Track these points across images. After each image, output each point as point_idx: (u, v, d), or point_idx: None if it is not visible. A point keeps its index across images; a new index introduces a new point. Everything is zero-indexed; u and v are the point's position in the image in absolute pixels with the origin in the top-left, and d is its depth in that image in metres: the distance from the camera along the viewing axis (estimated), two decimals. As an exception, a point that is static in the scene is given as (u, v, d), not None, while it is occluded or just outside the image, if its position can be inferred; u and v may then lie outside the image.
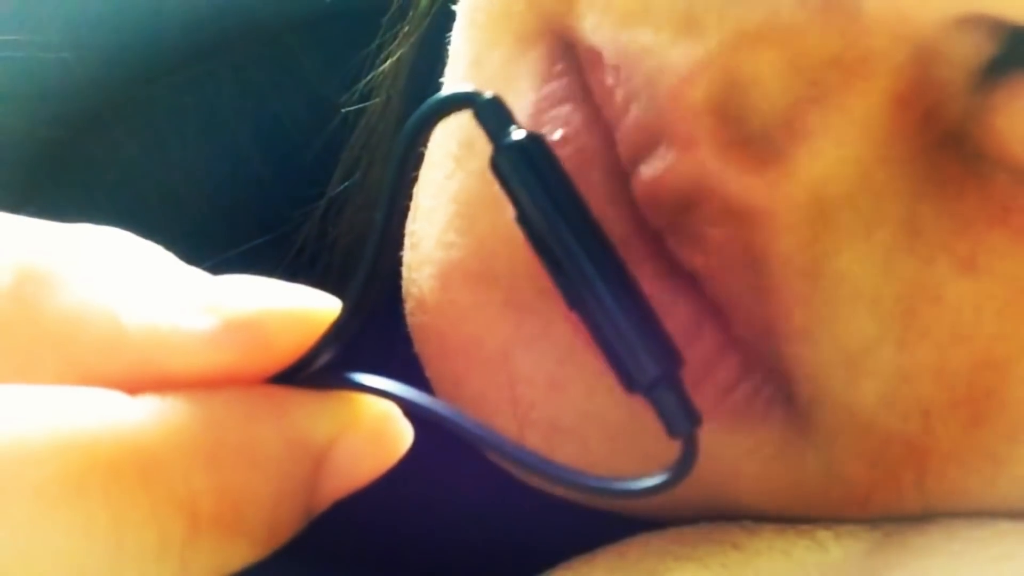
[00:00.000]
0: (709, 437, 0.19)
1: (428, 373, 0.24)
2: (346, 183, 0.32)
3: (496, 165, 0.18)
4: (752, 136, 0.19)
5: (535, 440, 0.23)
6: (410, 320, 0.24)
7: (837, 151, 0.19)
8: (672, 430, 0.18)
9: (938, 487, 0.22)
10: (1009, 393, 0.20)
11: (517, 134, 0.17)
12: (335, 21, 0.34)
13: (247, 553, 0.17)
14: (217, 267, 0.18)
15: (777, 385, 0.21)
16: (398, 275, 0.24)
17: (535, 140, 0.17)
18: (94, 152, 0.32)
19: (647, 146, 0.20)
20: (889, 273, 0.20)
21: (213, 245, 0.30)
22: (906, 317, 0.20)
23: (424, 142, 0.18)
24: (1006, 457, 0.21)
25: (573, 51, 0.21)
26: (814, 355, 0.20)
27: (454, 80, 0.24)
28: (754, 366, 0.21)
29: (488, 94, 0.17)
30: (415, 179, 0.24)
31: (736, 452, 0.22)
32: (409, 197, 0.24)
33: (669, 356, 0.18)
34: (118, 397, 0.16)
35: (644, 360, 0.17)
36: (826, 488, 0.22)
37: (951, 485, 0.22)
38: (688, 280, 0.21)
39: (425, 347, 0.24)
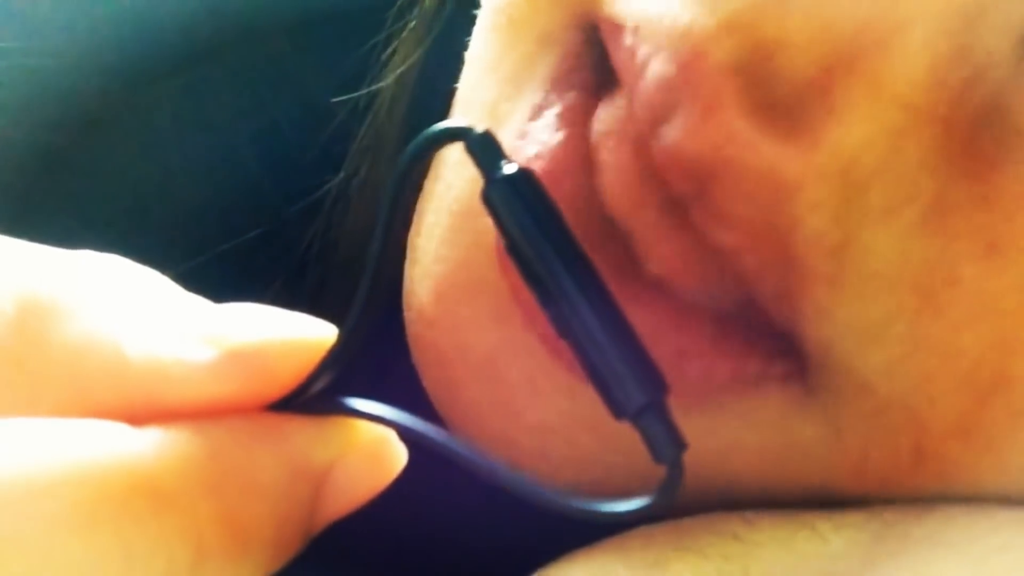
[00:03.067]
0: (709, 412, 0.20)
1: (425, 382, 0.25)
2: (344, 183, 0.32)
3: (487, 198, 0.18)
4: (779, 102, 0.19)
5: (528, 443, 0.23)
6: (409, 331, 0.25)
7: (869, 123, 0.18)
8: (657, 456, 0.18)
9: (937, 463, 0.22)
10: (1017, 376, 0.20)
11: (508, 168, 0.18)
12: (329, 24, 0.34)
13: (251, 575, 0.18)
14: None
15: (776, 354, 0.21)
16: (395, 294, 0.25)
17: (525, 174, 0.18)
18: (93, 156, 0.32)
19: (668, 108, 0.19)
20: (911, 252, 0.20)
21: (210, 247, 0.31)
22: (923, 296, 0.20)
23: (418, 175, 0.18)
24: (1008, 439, 0.21)
25: (593, 47, 0.21)
26: (828, 327, 0.20)
27: (467, 85, 0.24)
28: (758, 337, 0.21)
29: (479, 128, 0.18)
30: (420, 189, 0.25)
31: (736, 424, 0.22)
32: (410, 214, 0.25)
33: (654, 384, 0.18)
34: (124, 429, 0.17)
35: (630, 388, 0.18)
36: (825, 455, 0.22)
37: (951, 463, 0.22)
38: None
39: (421, 357, 0.25)
